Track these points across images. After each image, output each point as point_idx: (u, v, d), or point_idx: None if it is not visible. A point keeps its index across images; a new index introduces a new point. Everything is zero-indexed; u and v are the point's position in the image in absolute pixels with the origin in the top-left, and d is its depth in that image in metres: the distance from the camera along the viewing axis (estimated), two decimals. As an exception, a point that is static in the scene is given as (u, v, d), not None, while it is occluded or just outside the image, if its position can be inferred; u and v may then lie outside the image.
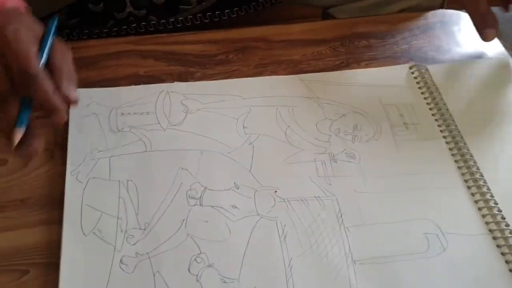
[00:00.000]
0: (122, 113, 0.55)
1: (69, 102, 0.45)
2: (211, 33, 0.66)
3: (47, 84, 0.44)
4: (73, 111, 0.54)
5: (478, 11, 0.59)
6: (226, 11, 0.87)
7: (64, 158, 0.51)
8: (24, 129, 0.43)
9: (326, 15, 0.78)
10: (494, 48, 0.65)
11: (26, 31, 0.45)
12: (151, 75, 0.60)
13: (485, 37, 0.60)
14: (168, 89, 0.57)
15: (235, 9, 0.88)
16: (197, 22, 0.87)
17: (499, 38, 0.66)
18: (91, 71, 0.60)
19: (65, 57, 0.48)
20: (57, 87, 0.45)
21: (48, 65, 0.46)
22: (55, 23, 0.49)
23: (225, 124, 0.55)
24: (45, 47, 0.46)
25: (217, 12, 0.87)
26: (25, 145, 0.44)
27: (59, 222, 0.46)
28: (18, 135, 0.43)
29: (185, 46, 0.64)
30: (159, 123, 0.54)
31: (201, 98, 0.57)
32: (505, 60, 0.63)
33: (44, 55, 0.45)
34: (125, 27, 0.84)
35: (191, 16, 0.86)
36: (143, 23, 0.86)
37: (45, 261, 0.45)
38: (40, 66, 0.44)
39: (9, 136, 0.43)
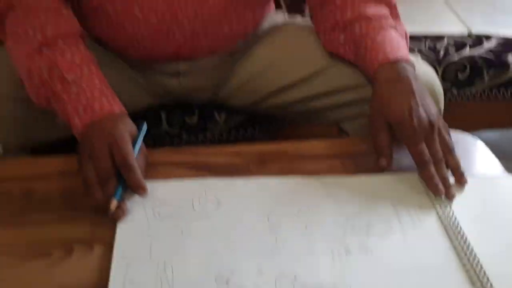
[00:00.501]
0: (164, 203, 0.63)
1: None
2: (235, 146, 0.75)
3: (138, 172, 0.62)
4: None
5: (375, 144, 0.69)
6: (249, 129, 0.98)
7: (104, 252, 0.57)
8: (119, 200, 0.60)
9: (340, 130, 0.86)
10: (494, 168, 0.72)
11: (127, 134, 0.65)
12: (181, 181, 0.67)
13: (378, 163, 0.68)
14: (203, 184, 0.66)
15: (257, 127, 0.98)
16: (224, 139, 0.97)
17: (500, 159, 0.73)
18: (131, 176, 0.68)
19: (145, 156, 0.68)
20: None
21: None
22: (145, 128, 0.69)
23: (252, 215, 0.62)
24: (137, 146, 0.66)
25: (241, 131, 0.97)
26: (116, 210, 0.60)
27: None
28: (114, 202, 0.60)
29: (213, 157, 0.72)
30: (194, 213, 0.62)
31: (232, 193, 0.65)
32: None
33: (136, 152, 0.65)
34: (159, 143, 0.94)
35: (218, 134, 0.97)
36: (176, 140, 0.96)
37: None
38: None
39: (107, 204, 0.59)
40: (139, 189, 0.62)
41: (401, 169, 0.70)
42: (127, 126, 0.66)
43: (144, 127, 0.70)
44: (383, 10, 0.78)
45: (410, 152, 0.67)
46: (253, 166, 0.71)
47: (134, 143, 0.66)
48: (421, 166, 0.66)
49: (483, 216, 0.64)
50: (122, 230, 0.59)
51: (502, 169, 0.73)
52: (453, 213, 0.63)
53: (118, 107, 0.68)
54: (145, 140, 0.69)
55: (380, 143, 0.69)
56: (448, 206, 0.64)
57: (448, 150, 0.67)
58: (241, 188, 0.66)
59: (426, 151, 0.66)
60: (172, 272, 0.54)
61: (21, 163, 0.72)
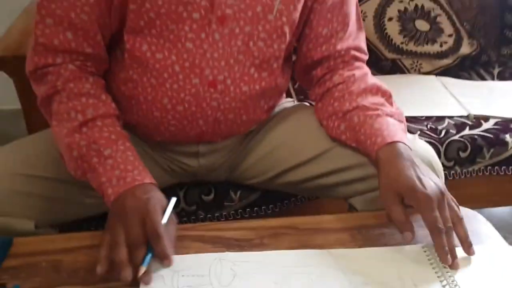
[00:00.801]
0: (183, 275, 0.67)
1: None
2: (249, 221, 0.79)
3: (166, 243, 0.67)
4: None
5: (392, 218, 0.72)
6: (263, 207, 1.02)
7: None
8: (147, 266, 0.65)
9: (349, 205, 0.91)
10: (496, 241, 0.76)
11: (159, 206, 0.70)
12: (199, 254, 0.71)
13: (404, 239, 0.71)
14: (220, 257, 0.70)
15: (271, 205, 1.03)
16: (238, 217, 1.01)
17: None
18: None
19: (173, 227, 0.71)
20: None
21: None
22: (174, 203, 0.73)
23: (266, 286, 0.66)
24: (165, 218, 0.70)
25: (255, 208, 1.02)
26: (144, 274, 0.64)
27: None
28: (143, 269, 0.64)
29: (228, 232, 0.76)
30: (211, 284, 0.66)
31: (247, 265, 0.69)
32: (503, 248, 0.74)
33: (164, 221, 0.69)
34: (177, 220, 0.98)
35: (233, 211, 1.01)
36: (192, 217, 1.01)
37: None
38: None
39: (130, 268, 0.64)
40: (166, 260, 0.67)
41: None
42: (158, 198, 0.71)
43: (173, 200, 0.74)
44: (379, 99, 0.85)
45: (424, 219, 0.70)
46: (267, 240, 0.75)
47: (164, 216, 0.70)
48: (434, 233, 0.69)
49: (484, 286, 0.67)
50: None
51: (503, 241, 0.76)
52: (456, 283, 0.66)
53: (149, 179, 0.74)
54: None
55: (398, 218, 0.71)
56: (452, 276, 0.67)
57: (458, 220, 0.71)
58: (255, 261, 0.70)
59: (440, 218, 0.69)
60: None
61: (50, 238, 0.77)
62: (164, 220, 0.70)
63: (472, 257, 0.70)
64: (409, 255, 0.71)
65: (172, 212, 0.72)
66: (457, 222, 0.71)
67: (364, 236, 0.76)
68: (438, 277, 0.68)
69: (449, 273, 0.68)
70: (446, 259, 0.68)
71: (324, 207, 1.01)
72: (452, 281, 0.67)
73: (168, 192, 0.95)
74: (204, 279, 0.66)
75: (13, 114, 1.73)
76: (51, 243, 0.74)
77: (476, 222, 0.80)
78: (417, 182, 0.71)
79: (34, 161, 0.82)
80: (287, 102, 1.00)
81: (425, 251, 0.72)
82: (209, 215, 1.00)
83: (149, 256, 0.66)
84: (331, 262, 0.70)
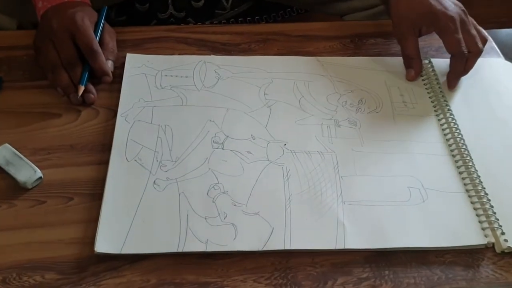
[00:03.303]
0: (166, 75, 0.69)
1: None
2: (237, 26, 0.79)
3: (102, 57, 0.66)
4: (127, 70, 0.68)
5: (404, 52, 0.71)
6: (256, 17, 1.01)
7: (108, 117, 0.64)
8: (84, 85, 0.65)
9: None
10: (492, 54, 0.77)
11: (88, 18, 0.66)
12: (183, 56, 0.72)
13: (406, 75, 0.71)
14: (204, 59, 0.71)
15: (264, 16, 1.01)
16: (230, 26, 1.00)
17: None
18: (135, 51, 0.73)
19: (112, 37, 0.70)
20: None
21: (100, 41, 0.67)
22: (105, 12, 0.71)
23: (249, 90, 0.67)
24: (98, 29, 0.68)
25: (248, 18, 1.00)
26: (86, 94, 0.65)
27: (105, 163, 0.58)
28: (81, 89, 0.64)
29: (214, 36, 0.77)
30: (195, 85, 0.68)
31: (231, 69, 0.70)
32: (500, 61, 0.75)
33: (98, 35, 0.68)
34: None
35: (224, 20, 1.00)
36: (182, 24, 0.99)
37: (89, 192, 0.56)
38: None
39: (75, 90, 0.64)
40: (104, 76, 0.66)
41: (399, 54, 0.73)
42: (87, 13, 0.68)
43: (104, 10, 0.71)
44: None
45: (446, 43, 0.67)
46: (255, 45, 0.75)
47: (96, 29, 0.68)
48: (456, 58, 0.68)
49: (472, 95, 0.69)
50: (124, 98, 0.65)
51: (501, 56, 0.77)
52: (445, 99, 0.68)
53: None
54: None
55: (409, 51, 0.70)
56: (441, 88, 0.69)
57: (478, 51, 0.68)
58: (241, 65, 0.71)
59: (463, 41, 0.67)
60: (172, 134, 0.61)
61: (32, 33, 0.75)
62: (97, 33, 0.68)
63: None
64: (400, 66, 0.72)
65: (106, 24, 0.70)
66: (476, 53, 0.68)
67: (356, 45, 0.76)
68: (426, 88, 0.70)
69: (439, 83, 0.70)
70: (454, 85, 0.69)
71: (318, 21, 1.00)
72: (440, 90, 0.69)
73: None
74: (188, 80, 0.68)
75: None
76: (33, 37, 0.74)
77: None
78: (435, 3, 0.67)
79: None
80: None
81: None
82: (199, 23, 0.99)
83: (86, 74, 0.65)
84: (318, 68, 0.71)
